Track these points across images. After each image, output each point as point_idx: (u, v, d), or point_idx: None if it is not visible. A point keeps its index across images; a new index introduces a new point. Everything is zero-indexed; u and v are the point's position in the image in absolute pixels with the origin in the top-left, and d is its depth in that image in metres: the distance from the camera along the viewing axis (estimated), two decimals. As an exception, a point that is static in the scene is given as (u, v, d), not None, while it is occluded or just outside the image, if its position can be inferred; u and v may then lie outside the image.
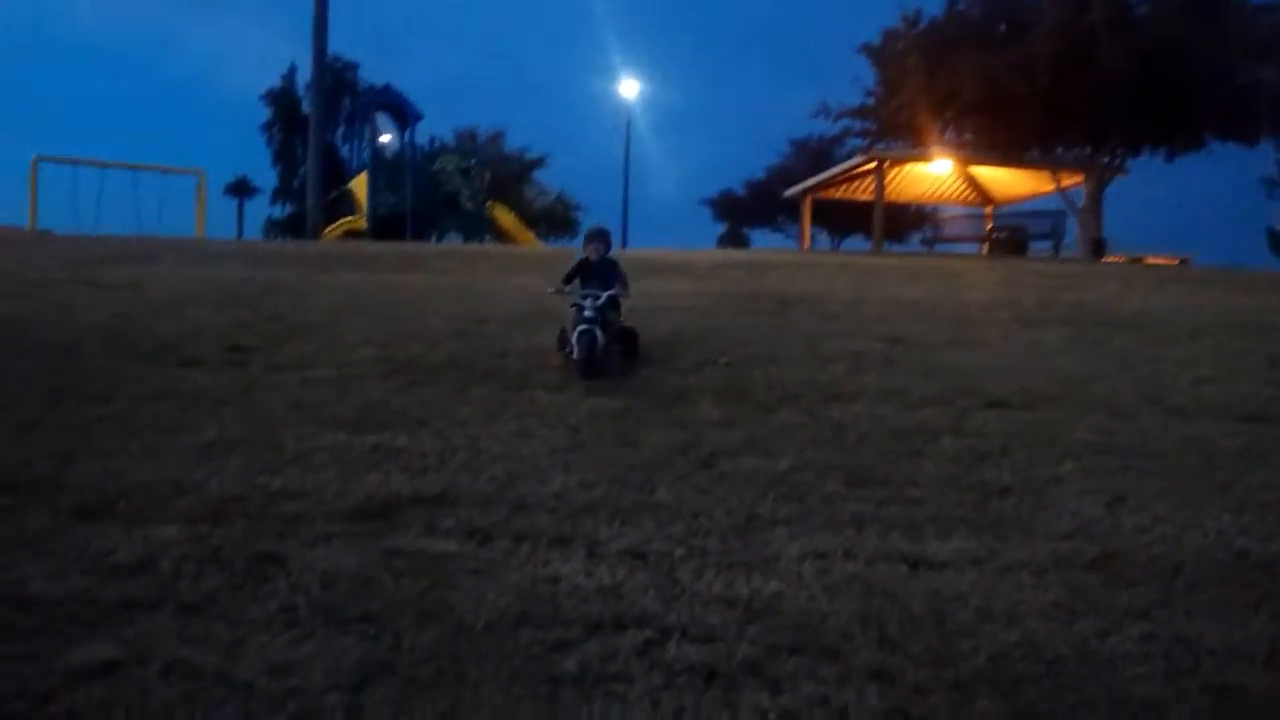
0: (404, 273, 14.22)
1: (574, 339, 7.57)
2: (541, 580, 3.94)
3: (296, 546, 4.21)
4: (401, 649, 3.29)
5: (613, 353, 7.84)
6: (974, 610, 3.74)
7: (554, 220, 47.36)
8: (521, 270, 14.10)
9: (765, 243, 44.13)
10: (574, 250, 12.92)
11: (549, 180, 50.05)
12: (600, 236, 8.44)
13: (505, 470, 5.35)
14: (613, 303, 7.92)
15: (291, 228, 43.06)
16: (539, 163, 49.29)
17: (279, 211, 51.72)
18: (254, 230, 51.80)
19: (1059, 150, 27.49)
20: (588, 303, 7.70)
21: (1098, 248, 25.69)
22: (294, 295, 11.36)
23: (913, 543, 4.43)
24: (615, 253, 8.88)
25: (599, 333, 7.53)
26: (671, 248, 20.46)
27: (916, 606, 3.76)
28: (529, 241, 32.45)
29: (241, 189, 58.69)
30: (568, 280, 8.16)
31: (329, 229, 30.28)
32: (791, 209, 39.06)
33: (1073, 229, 27.70)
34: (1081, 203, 27.09)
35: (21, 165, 27.06)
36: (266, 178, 54.27)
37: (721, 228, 48.63)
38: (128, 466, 5.27)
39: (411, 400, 6.87)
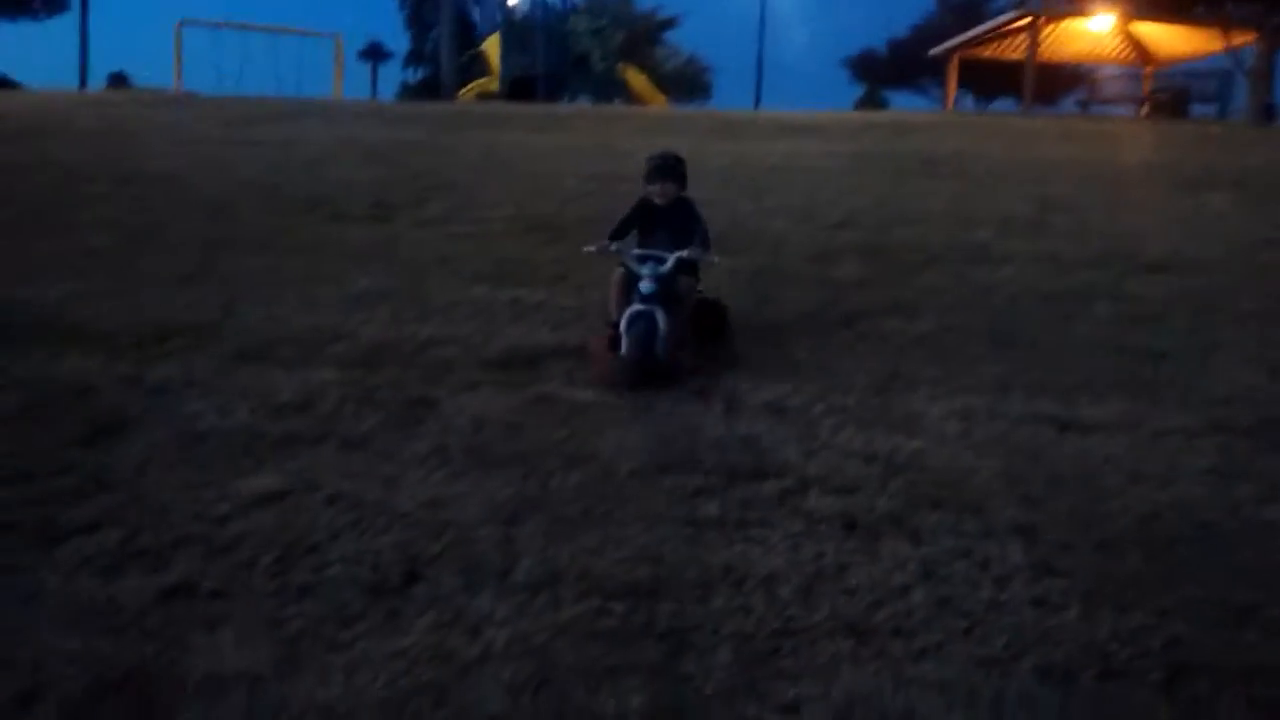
0: (538, 133, 14.22)
1: (623, 326, 4.63)
2: (682, 430, 4.00)
3: (446, 391, 4.37)
4: (549, 489, 3.41)
5: (684, 343, 4.83)
6: (1124, 473, 3.65)
7: (684, 83, 46.43)
8: (654, 131, 13.93)
9: (906, 105, 42.43)
10: (709, 114, 12.45)
11: (680, 41, 48.91)
12: (668, 171, 5.07)
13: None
14: (685, 266, 4.87)
15: (425, 91, 43.26)
16: (670, 23, 48.08)
17: (412, 76, 51.99)
18: (388, 94, 52.32)
19: (1229, 6, 25.40)
20: (646, 270, 4.73)
21: (1268, 111, 23.86)
22: (433, 155, 11.53)
23: (1061, 405, 4.32)
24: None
25: (661, 318, 4.59)
26: (805, 110, 19.87)
27: (1063, 467, 3.69)
28: (660, 103, 31.96)
29: (375, 53, 59.08)
30: (618, 233, 5.05)
31: (463, 91, 30.41)
32: (936, 69, 37.35)
33: (1240, 92, 25.77)
34: (1251, 63, 25.11)
35: (165, 30, 27.83)
36: (399, 42, 54.44)
37: (860, 91, 46.83)
38: (285, 314, 5.52)
39: (548, 257, 6.94)
